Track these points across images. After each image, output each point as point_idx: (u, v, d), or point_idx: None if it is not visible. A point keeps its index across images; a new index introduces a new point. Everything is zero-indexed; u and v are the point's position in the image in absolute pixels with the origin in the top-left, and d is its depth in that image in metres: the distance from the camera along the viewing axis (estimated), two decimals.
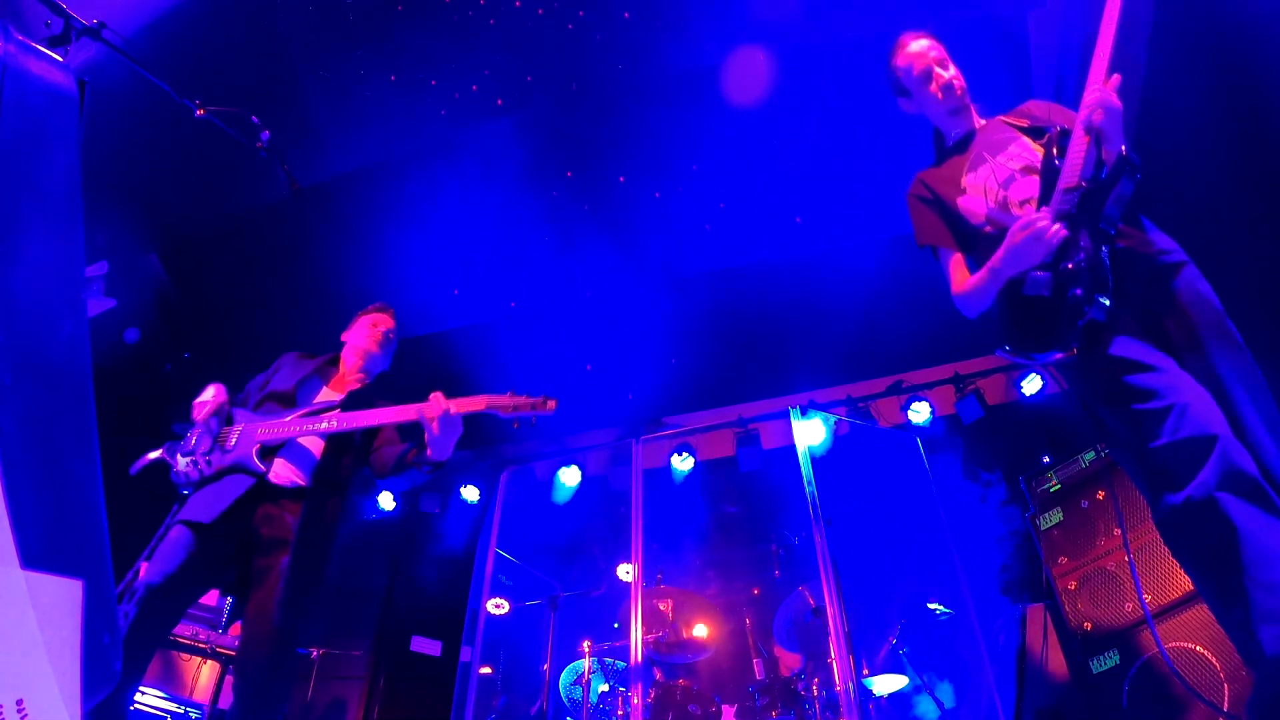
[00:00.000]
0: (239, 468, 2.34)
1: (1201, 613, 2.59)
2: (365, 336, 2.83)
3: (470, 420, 2.45)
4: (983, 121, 2.20)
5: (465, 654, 5.39)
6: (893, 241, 5.07)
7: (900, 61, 2.22)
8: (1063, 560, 3.18)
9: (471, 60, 4.38)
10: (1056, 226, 1.77)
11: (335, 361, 2.82)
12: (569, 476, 5.95)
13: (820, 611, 4.18)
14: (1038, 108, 2.14)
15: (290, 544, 2.28)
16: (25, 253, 1.06)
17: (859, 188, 4.83)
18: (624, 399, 5.85)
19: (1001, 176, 2.02)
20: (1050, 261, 1.78)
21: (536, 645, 5.19)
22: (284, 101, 4.41)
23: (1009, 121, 2.12)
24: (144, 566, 2.17)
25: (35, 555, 0.94)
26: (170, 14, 3.93)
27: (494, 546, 5.33)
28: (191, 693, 3.74)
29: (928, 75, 2.17)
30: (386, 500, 6.16)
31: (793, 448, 4.90)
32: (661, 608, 4.55)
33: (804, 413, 5.06)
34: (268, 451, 2.39)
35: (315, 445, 2.46)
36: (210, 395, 2.51)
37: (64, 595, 0.96)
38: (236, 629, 3.32)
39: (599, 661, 4.49)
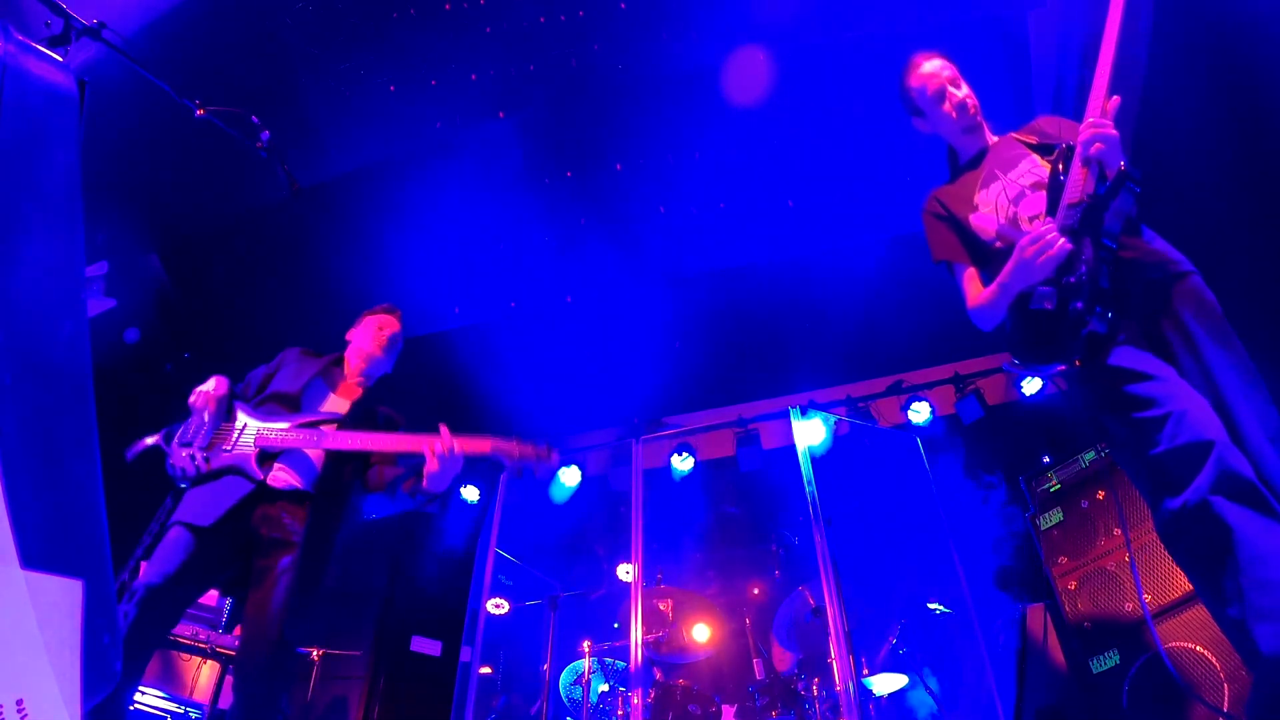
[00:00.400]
0: (238, 471, 2.33)
1: (1201, 613, 2.59)
2: (371, 339, 2.81)
3: (470, 420, 2.45)
4: (995, 139, 2.24)
5: (465, 654, 5.39)
6: (893, 241, 5.07)
7: (914, 82, 2.26)
8: (1063, 560, 3.19)
9: (471, 60, 4.38)
10: (1061, 241, 1.81)
11: (340, 362, 2.80)
12: (569, 476, 5.95)
13: (820, 611, 4.18)
14: (1049, 124, 2.19)
15: (288, 544, 2.28)
16: (25, 253, 1.06)
17: (859, 188, 4.83)
18: (624, 399, 5.85)
19: (1012, 193, 2.07)
20: (1054, 276, 1.82)
21: (536, 645, 5.19)
22: (284, 101, 4.42)
23: (1020, 138, 2.16)
24: (143, 566, 2.17)
25: (35, 555, 0.94)
26: (170, 14, 3.93)
27: (494, 546, 5.33)
28: (191, 693, 3.74)
29: (941, 95, 2.21)
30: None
31: (793, 448, 4.90)
32: (661, 608, 4.55)
33: (804, 413, 5.05)
34: (267, 457, 2.37)
35: (317, 454, 2.46)
36: (211, 386, 2.47)
37: (64, 595, 0.96)
38: (238, 629, 3.32)
39: (599, 661, 4.49)
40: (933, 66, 2.24)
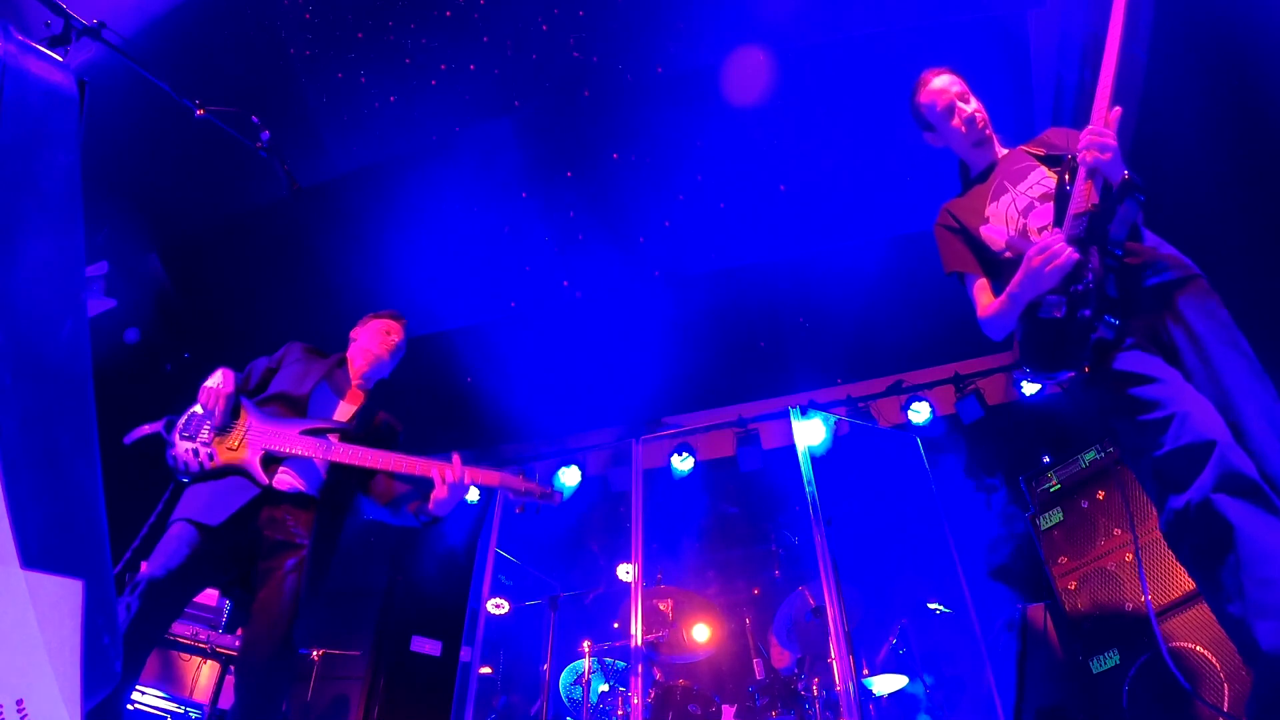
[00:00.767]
0: (242, 473, 2.31)
1: (1201, 613, 2.60)
2: (377, 343, 2.79)
3: (471, 420, 2.46)
4: (1004, 151, 2.28)
5: (465, 654, 5.40)
6: (893, 241, 5.07)
7: (923, 98, 2.31)
8: (1063, 560, 3.19)
9: (471, 60, 4.38)
10: (1069, 251, 1.84)
11: (344, 363, 2.78)
12: (569, 476, 5.95)
13: (820, 611, 4.18)
14: (1057, 135, 2.22)
15: (292, 545, 2.28)
16: (25, 253, 1.06)
17: (859, 188, 4.83)
18: (624, 399, 5.86)
19: (1022, 205, 2.11)
20: (1062, 285, 1.86)
21: (536, 645, 5.19)
22: (284, 101, 4.42)
23: (1029, 151, 2.20)
24: (144, 564, 2.16)
25: (35, 555, 0.94)
26: (170, 14, 3.93)
27: (494, 546, 5.33)
28: (191, 693, 3.74)
29: (950, 110, 2.26)
30: None
31: (793, 448, 4.90)
32: (661, 608, 4.55)
33: (804, 413, 5.06)
34: (272, 460, 2.36)
35: (321, 461, 2.46)
36: (218, 381, 2.43)
37: (64, 595, 0.96)
38: (240, 630, 3.32)
39: (599, 661, 4.49)
40: (942, 82, 2.28)
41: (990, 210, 2.17)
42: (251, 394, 2.55)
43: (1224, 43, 3.06)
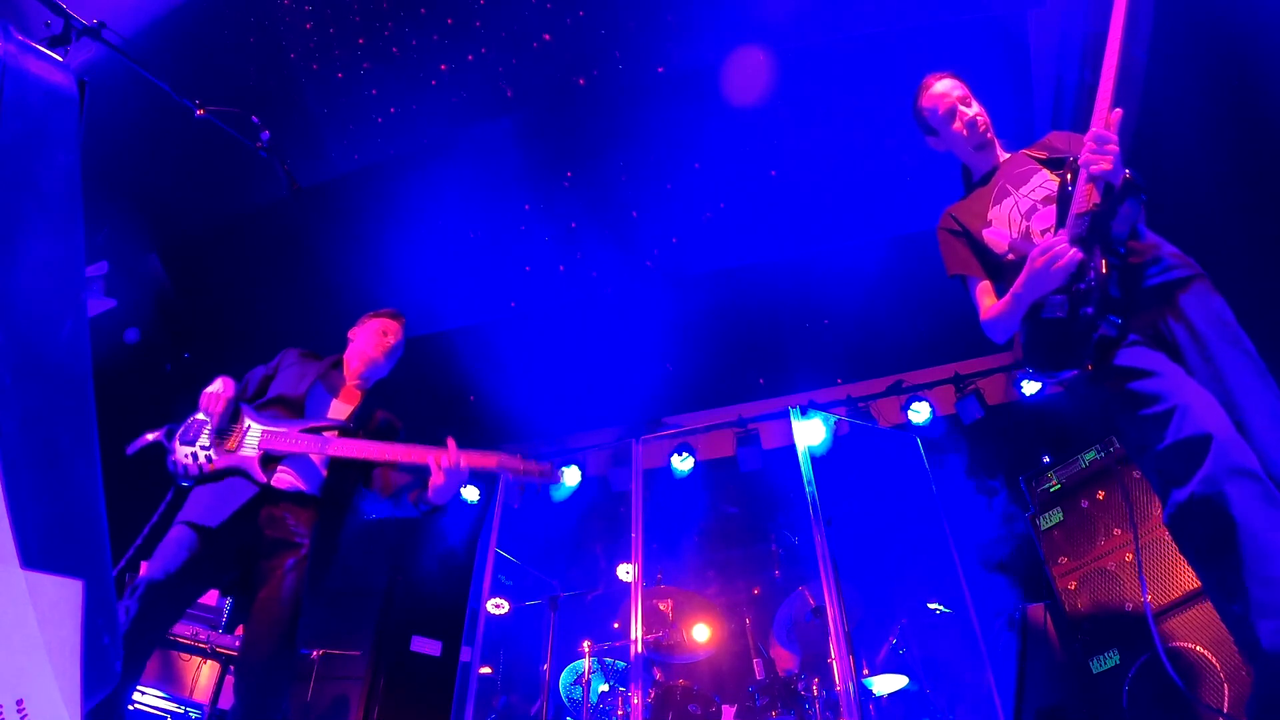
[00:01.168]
0: (241, 473, 2.33)
1: (1202, 613, 2.60)
2: (374, 344, 2.80)
3: (471, 420, 2.46)
4: (1006, 155, 2.29)
5: (465, 654, 5.39)
6: (893, 241, 5.07)
7: (926, 103, 2.32)
8: (1063, 560, 3.19)
9: (471, 60, 4.38)
10: (1072, 250, 1.85)
11: (339, 364, 2.80)
12: (569, 476, 5.94)
13: (820, 611, 4.17)
14: (1059, 139, 2.23)
15: (292, 544, 2.29)
16: (25, 253, 1.06)
17: (859, 188, 4.84)
18: (624, 399, 5.85)
19: (1024, 208, 2.12)
20: (1065, 284, 1.87)
21: (536, 645, 5.18)
22: (284, 101, 4.42)
23: (1031, 154, 2.21)
24: (143, 563, 2.17)
25: (35, 555, 0.94)
26: (170, 14, 3.93)
27: (494, 546, 5.33)
28: (191, 693, 3.74)
29: (952, 114, 2.27)
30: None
31: (793, 448, 4.90)
32: (661, 608, 4.55)
33: (804, 413, 5.05)
34: (270, 459, 2.38)
35: (320, 458, 2.47)
36: (219, 388, 2.48)
37: (64, 595, 0.96)
38: (239, 629, 3.32)
39: (599, 661, 4.49)
40: (943, 86, 2.29)
41: (993, 213, 2.18)
42: (250, 400, 2.58)
43: (1224, 43, 3.06)
